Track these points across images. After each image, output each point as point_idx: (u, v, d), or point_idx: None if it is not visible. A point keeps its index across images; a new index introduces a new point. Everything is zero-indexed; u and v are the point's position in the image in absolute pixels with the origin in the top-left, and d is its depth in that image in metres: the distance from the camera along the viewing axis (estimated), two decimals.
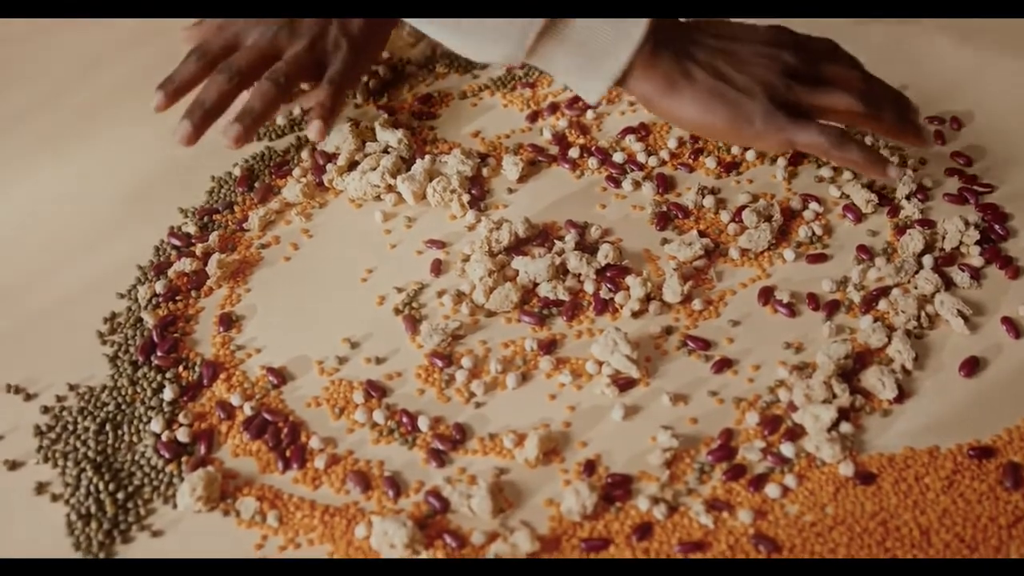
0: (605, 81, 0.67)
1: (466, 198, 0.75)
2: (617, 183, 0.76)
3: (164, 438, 0.63)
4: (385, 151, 0.79)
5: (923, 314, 0.66)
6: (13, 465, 0.62)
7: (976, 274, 0.68)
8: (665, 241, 0.72)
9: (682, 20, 0.70)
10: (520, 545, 0.56)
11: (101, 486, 0.60)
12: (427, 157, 0.77)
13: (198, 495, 0.59)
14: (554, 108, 0.82)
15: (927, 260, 0.69)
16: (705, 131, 0.71)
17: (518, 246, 0.72)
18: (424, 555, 0.56)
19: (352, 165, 0.78)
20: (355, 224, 0.75)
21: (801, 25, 0.70)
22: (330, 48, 0.77)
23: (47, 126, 0.83)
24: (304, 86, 0.83)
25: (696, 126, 0.69)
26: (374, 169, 0.76)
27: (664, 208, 0.74)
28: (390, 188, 0.76)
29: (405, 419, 0.63)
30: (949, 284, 0.68)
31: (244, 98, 0.75)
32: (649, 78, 0.67)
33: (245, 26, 0.78)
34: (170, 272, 0.71)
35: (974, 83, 0.83)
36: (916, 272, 0.68)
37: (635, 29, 0.66)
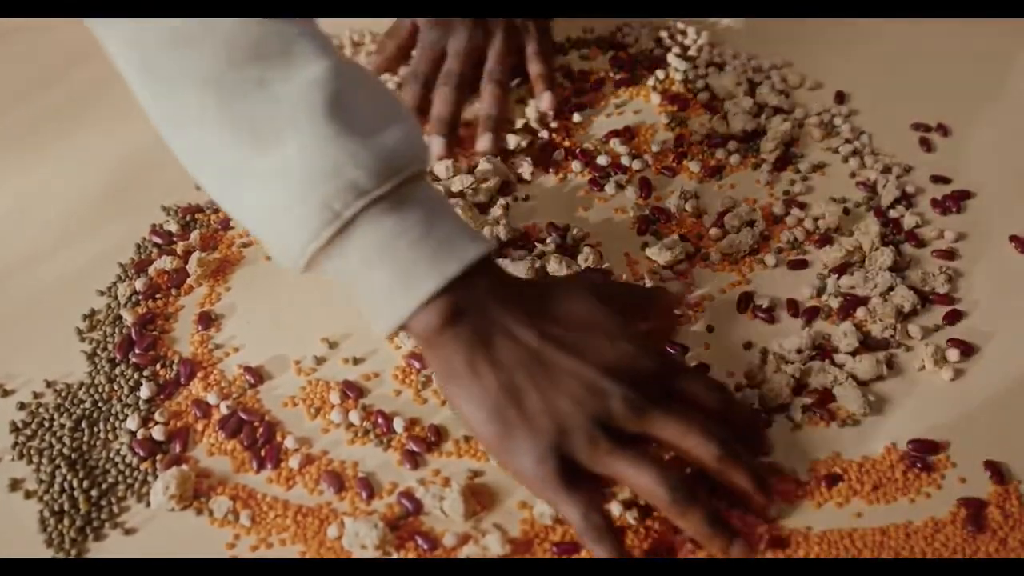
0: (388, 323, 0.56)
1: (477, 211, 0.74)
2: (600, 186, 0.76)
3: (139, 436, 0.63)
4: None
5: (899, 326, 0.66)
6: None
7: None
8: (646, 245, 0.72)
9: (525, 282, 0.59)
10: (491, 548, 0.56)
11: (75, 483, 0.60)
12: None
13: (171, 493, 0.59)
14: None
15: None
16: (474, 435, 0.59)
17: (499, 249, 0.72)
18: (395, 557, 0.56)
19: None
20: None
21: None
22: (521, 30, 0.82)
23: (28, 122, 0.83)
24: None
25: (464, 424, 0.58)
26: None
27: (646, 212, 0.74)
28: None
29: (381, 420, 0.63)
30: (925, 301, 0.68)
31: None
32: (433, 347, 0.56)
33: (437, 37, 0.81)
34: (150, 270, 0.71)
35: (963, 88, 0.83)
36: (890, 289, 0.67)
37: (426, 281, 0.54)
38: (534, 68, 0.81)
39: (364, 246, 0.55)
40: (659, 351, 0.58)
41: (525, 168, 0.76)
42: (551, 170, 0.77)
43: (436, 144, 0.77)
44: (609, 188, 0.76)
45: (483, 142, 0.77)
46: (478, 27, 0.80)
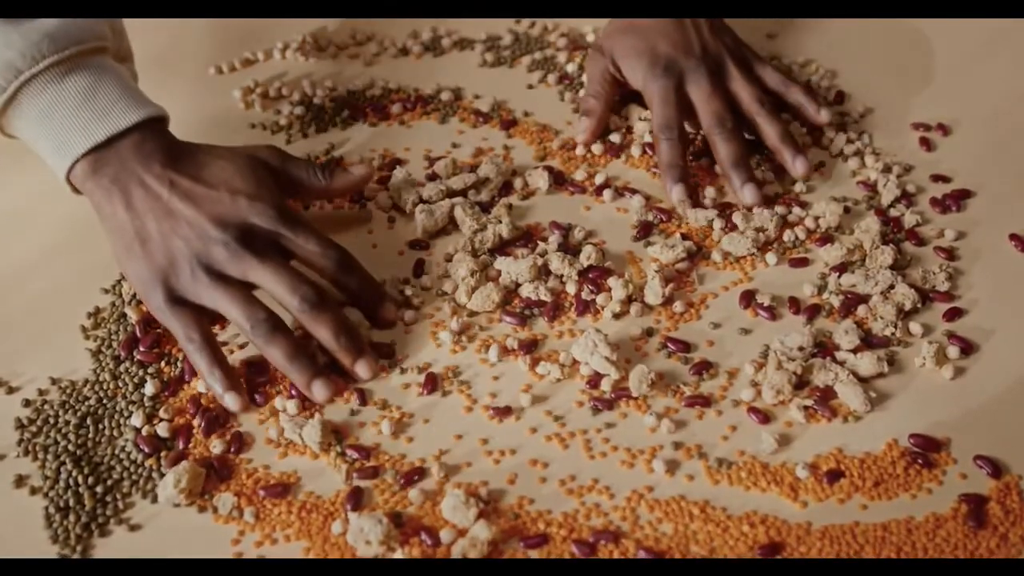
0: (58, 180, 0.68)
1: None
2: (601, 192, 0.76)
3: (144, 433, 0.63)
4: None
5: (899, 323, 0.66)
6: None
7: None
8: (648, 243, 0.72)
9: (180, 144, 0.68)
10: (479, 535, 0.57)
11: (80, 479, 0.60)
12: (460, 208, 0.73)
13: (181, 487, 0.59)
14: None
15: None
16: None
17: (502, 247, 0.72)
18: (399, 553, 0.57)
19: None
20: (338, 223, 0.75)
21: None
22: (743, 54, 0.81)
23: None
24: None
25: (114, 259, 0.68)
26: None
27: (648, 217, 0.74)
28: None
29: None
30: (925, 299, 0.68)
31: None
32: (88, 195, 0.67)
33: (671, 84, 0.77)
34: None
35: (963, 88, 0.83)
36: (891, 288, 0.68)
37: (77, 144, 0.66)
38: (793, 95, 0.79)
39: (29, 116, 0.67)
40: (283, 213, 0.66)
41: (543, 183, 0.76)
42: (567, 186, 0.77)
43: (749, 192, 0.74)
44: (607, 194, 0.76)
45: (800, 165, 0.76)
46: (707, 61, 0.77)
